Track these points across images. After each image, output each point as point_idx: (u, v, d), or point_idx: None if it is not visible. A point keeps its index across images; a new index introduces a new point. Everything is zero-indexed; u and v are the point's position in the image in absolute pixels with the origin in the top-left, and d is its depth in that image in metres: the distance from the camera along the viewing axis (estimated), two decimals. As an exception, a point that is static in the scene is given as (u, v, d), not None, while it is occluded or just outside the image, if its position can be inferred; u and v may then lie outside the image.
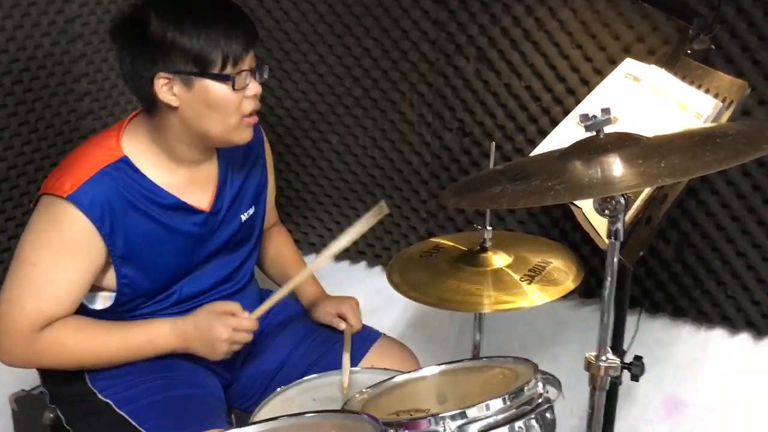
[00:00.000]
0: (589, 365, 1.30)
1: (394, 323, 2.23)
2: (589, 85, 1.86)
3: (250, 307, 1.55)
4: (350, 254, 2.36)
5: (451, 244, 1.68)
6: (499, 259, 1.56)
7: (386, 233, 2.28)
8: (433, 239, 1.74)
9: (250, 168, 1.67)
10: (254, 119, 1.50)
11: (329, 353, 1.66)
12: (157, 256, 1.51)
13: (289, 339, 1.73)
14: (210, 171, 1.58)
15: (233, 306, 1.53)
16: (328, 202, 2.32)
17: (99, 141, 1.51)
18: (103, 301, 1.53)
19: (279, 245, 1.87)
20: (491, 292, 1.48)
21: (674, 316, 1.99)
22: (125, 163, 1.47)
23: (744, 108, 1.71)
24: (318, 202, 2.34)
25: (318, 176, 2.31)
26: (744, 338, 1.92)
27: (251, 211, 1.67)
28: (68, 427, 1.58)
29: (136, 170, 1.47)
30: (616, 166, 1.17)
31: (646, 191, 1.46)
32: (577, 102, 1.80)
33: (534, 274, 1.52)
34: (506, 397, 1.19)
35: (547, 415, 1.23)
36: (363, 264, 2.36)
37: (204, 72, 1.41)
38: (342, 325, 1.71)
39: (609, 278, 1.25)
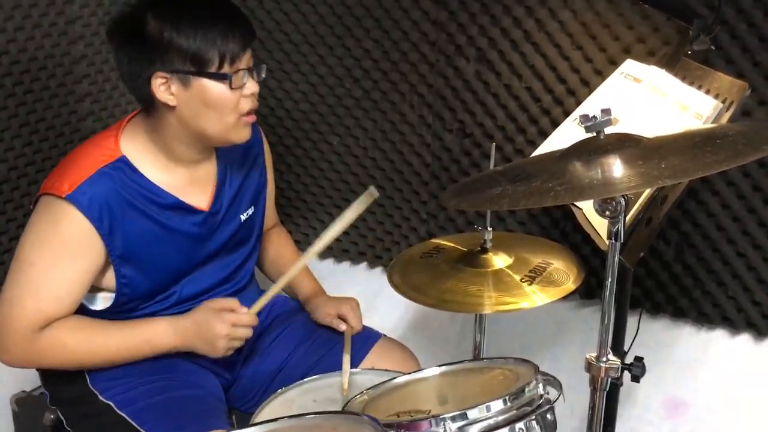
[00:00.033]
0: (589, 366, 1.30)
1: (394, 324, 2.23)
2: (589, 86, 1.86)
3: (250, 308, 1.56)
4: (351, 255, 2.36)
5: (452, 245, 1.68)
6: (499, 260, 1.56)
7: (387, 234, 2.28)
8: (434, 240, 1.73)
9: (249, 168, 1.67)
10: (252, 118, 1.50)
11: (329, 354, 1.66)
12: (156, 256, 1.51)
13: (289, 340, 1.73)
14: (209, 171, 1.59)
15: (231, 302, 1.53)
16: (328, 203, 2.32)
17: (97, 141, 1.51)
18: (103, 301, 1.53)
19: (279, 246, 1.87)
20: (492, 293, 1.48)
21: (675, 316, 1.98)
22: (124, 162, 1.47)
23: (744, 109, 1.71)
24: (319, 203, 2.34)
25: (319, 177, 2.31)
26: (745, 339, 1.92)
27: (250, 211, 1.67)
28: (69, 429, 1.58)
29: (134, 170, 1.48)
30: (616, 167, 1.17)
31: (647, 192, 1.46)
32: (578, 103, 1.80)
33: (534, 275, 1.52)
34: (507, 398, 1.19)
35: (548, 416, 1.23)
36: (363, 265, 2.36)
37: (201, 71, 1.41)
38: (342, 326, 1.71)
39: (609, 279, 1.25)
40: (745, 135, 1.20)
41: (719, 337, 1.94)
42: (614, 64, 1.76)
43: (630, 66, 1.63)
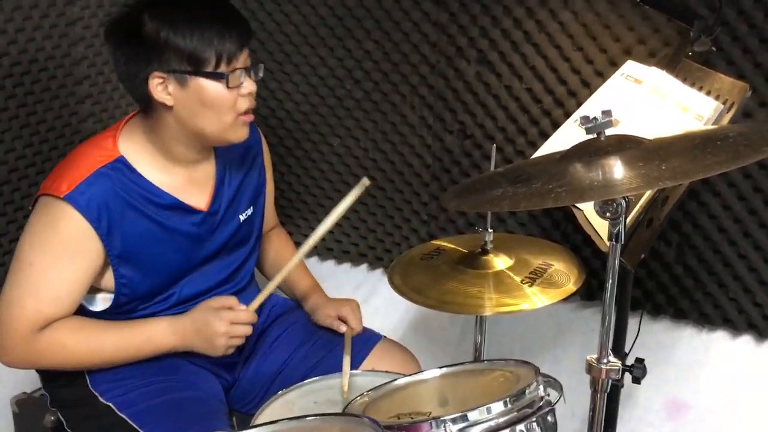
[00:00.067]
0: (590, 368, 1.30)
1: (395, 326, 2.23)
2: (590, 87, 1.86)
3: (250, 309, 1.56)
4: (352, 256, 2.36)
5: (452, 246, 1.68)
6: (500, 262, 1.56)
7: (387, 236, 2.28)
8: (434, 241, 1.73)
9: (248, 168, 1.67)
10: (250, 117, 1.50)
11: (330, 356, 1.66)
12: (155, 256, 1.51)
13: (289, 342, 1.73)
14: (207, 171, 1.59)
15: (230, 300, 1.53)
16: (329, 204, 2.31)
17: (96, 142, 1.51)
18: (102, 302, 1.53)
19: (279, 248, 1.87)
20: (492, 294, 1.48)
21: (676, 318, 1.98)
22: (122, 163, 1.47)
23: (745, 110, 1.71)
24: (320, 205, 2.34)
25: (319, 179, 2.31)
26: (746, 340, 1.92)
27: (250, 211, 1.67)
28: (69, 431, 1.58)
29: (132, 170, 1.48)
30: (617, 169, 1.17)
31: (648, 193, 1.46)
32: (579, 104, 1.80)
33: (535, 277, 1.52)
34: (507, 400, 1.19)
35: (549, 418, 1.22)
36: (364, 266, 2.36)
37: (198, 71, 1.41)
38: (342, 328, 1.71)
39: (610, 280, 1.25)
40: (746, 136, 1.20)
41: (720, 338, 1.94)
42: (615, 65, 1.76)
43: (631, 67, 1.62)
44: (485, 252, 1.58)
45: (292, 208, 2.38)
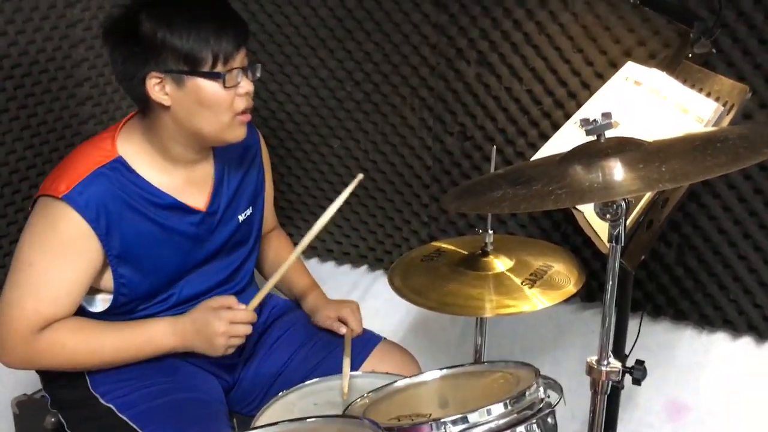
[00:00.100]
0: (590, 369, 1.30)
1: (395, 327, 2.23)
2: (590, 89, 1.86)
3: (250, 309, 1.56)
4: (352, 258, 2.36)
5: (453, 248, 1.68)
6: (500, 263, 1.56)
7: (387, 237, 2.28)
8: (435, 243, 1.73)
9: (246, 169, 1.67)
10: (247, 117, 1.50)
11: (330, 357, 1.66)
12: (154, 256, 1.51)
13: (289, 343, 1.73)
14: (206, 171, 1.59)
15: (229, 300, 1.53)
16: (329, 206, 2.32)
17: (94, 143, 1.52)
18: (102, 303, 1.53)
19: (279, 249, 1.87)
20: (493, 296, 1.48)
21: (676, 319, 1.98)
22: (120, 163, 1.47)
23: (745, 111, 1.71)
24: (320, 206, 2.34)
25: (319, 180, 2.31)
26: (746, 342, 1.91)
27: (249, 211, 1.67)
28: (69, 432, 1.58)
29: (131, 170, 1.48)
30: (617, 171, 1.17)
31: (648, 195, 1.46)
32: (579, 106, 1.80)
33: (535, 278, 1.52)
34: (507, 401, 1.19)
35: (549, 419, 1.22)
36: (364, 268, 2.36)
37: (194, 70, 1.42)
38: (342, 329, 1.71)
39: (610, 282, 1.25)
40: (746, 138, 1.20)
41: (720, 339, 1.94)
42: (615, 66, 1.76)
43: (631, 69, 1.63)
44: (485, 254, 1.58)
45: (292, 209, 2.38)
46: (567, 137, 1.52)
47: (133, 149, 1.50)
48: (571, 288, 1.50)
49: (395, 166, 2.19)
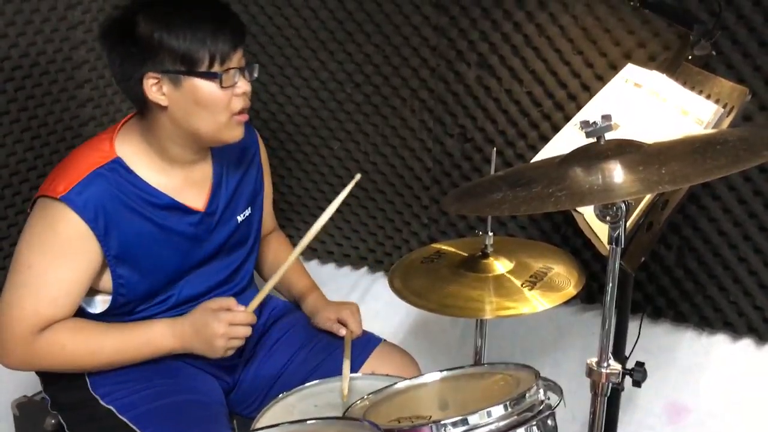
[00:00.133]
0: (590, 371, 1.30)
1: (395, 329, 2.23)
2: (590, 91, 1.86)
3: (249, 310, 1.56)
4: (352, 260, 2.36)
5: (453, 249, 1.68)
6: (500, 265, 1.56)
7: (388, 239, 2.28)
8: (435, 245, 1.73)
9: (245, 169, 1.68)
10: (244, 117, 1.51)
11: (329, 359, 1.66)
12: (153, 257, 1.52)
13: (289, 345, 1.73)
14: (204, 171, 1.59)
15: (228, 301, 1.53)
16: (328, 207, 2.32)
17: (93, 144, 1.52)
18: (101, 304, 1.53)
19: (278, 251, 1.87)
20: (493, 298, 1.48)
21: (676, 321, 1.98)
22: (118, 164, 1.48)
23: (745, 114, 1.71)
24: (320, 208, 2.33)
25: (320, 182, 2.31)
26: (746, 343, 1.91)
27: (247, 212, 1.67)
28: (69, 433, 1.58)
29: (129, 171, 1.48)
30: (617, 173, 1.17)
31: (648, 197, 1.46)
32: (579, 108, 1.80)
33: (535, 280, 1.52)
34: (508, 403, 1.19)
35: (549, 421, 1.22)
36: (364, 269, 2.36)
37: (191, 71, 1.42)
38: (342, 331, 1.71)
39: (610, 284, 1.25)
40: (746, 140, 1.20)
41: (720, 341, 1.94)
42: (615, 68, 1.76)
43: (631, 71, 1.63)
44: (485, 255, 1.58)
45: (292, 211, 2.38)
46: (567, 139, 1.52)
47: (131, 150, 1.50)
48: (571, 290, 1.50)
49: (395, 168, 2.19)
